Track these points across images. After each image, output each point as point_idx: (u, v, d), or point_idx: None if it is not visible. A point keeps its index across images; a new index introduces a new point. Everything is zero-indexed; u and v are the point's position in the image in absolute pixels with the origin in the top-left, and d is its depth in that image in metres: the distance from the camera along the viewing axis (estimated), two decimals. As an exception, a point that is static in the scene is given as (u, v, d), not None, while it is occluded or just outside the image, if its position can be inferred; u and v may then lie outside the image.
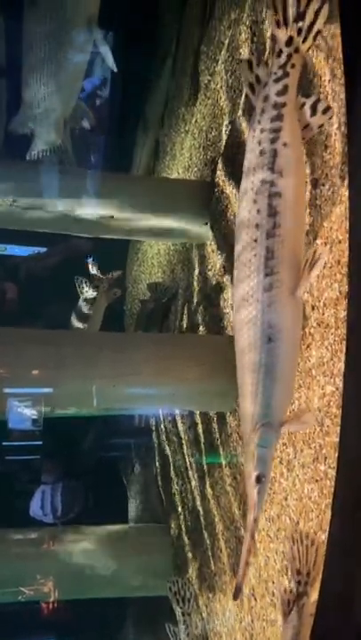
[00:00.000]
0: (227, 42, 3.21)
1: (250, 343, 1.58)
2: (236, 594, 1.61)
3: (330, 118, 1.69)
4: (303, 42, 1.58)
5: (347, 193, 1.78)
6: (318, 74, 1.97)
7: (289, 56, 1.57)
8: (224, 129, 3.20)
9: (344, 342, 1.79)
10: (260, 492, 1.56)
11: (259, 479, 1.56)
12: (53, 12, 2.85)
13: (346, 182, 1.81)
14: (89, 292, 3.48)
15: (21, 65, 3.02)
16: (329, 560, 1.78)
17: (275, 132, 1.56)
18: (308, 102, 1.61)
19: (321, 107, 1.61)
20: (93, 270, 3.46)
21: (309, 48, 1.62)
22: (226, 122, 3.17)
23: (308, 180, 1.98)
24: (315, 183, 1.95)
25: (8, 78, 3.44)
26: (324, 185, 1.94)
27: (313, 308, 2.02)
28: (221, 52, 3.30)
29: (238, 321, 1.62)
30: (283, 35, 1.56)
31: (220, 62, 3.33)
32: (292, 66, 1.58)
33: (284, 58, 1.58)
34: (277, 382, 1.58)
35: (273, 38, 1.62)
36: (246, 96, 2.84)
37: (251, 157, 1.60)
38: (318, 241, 1.96)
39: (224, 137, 3.19)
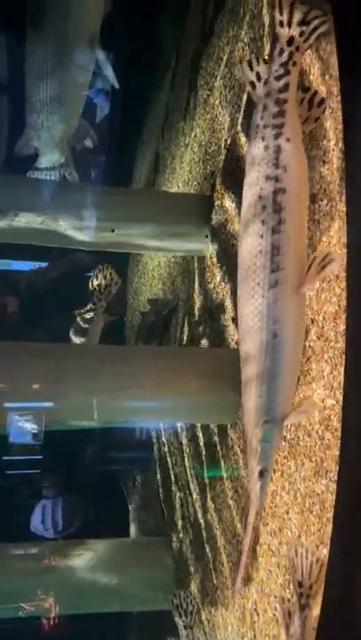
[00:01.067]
0: (225, 58, 3.26)
1: (255, 339, 1.60)
2: (236, 593, 1.64)
3: (324, 111, 1.76)
4: (304, 41, 1.63)
5: (345, 209, 1.80)
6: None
7: (290, 54, 1.61)
8: (223, 144, 3.23)
9: (344, 356, 1.80)
10: (262, 486, 1.61)
11: (261, 474, 1.60)
12: (55, 33, 2.89)
13: (344, 198, 1.83)
14: (87, 315, 3.50)
15: (23, 82, 3.05)
16: (330, 562, 1.78)
17: (278, 128, 1.59)
18: (307, 96, 1.67)
19: (317, 99, 1.68)
20: (93, 284, 3.47)
21: (310, 47, 1.67)
22: (225, 137, 3.21)
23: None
24: (313, 198, 1.97)
25: (10, 95, 3.49)
26: (322, 200, 1.96)
27: (312, 322, 2.03)
28: (220, 68, 3.34)
29: (243, 316, 1.64)
30: (285, 34, 1.61)
31: (218, 78, 3.37)
32: (294, 64, 1.62)
33: (285, 56, 1.62)
34: (282, 378, 1.60)
35: (275, 37, 1.65)
36: (246, 106, 2.87)
37: (255, 153, 1.62)
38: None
39: (223, 151, 3.22)
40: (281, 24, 1.61)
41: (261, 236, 1.58)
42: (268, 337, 1.58)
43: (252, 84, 1.66)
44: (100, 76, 3.47)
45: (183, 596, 3.00)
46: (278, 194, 1.57)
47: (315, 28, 1.63)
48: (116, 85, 3.16)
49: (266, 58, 1.72)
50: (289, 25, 1.60)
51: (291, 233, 1.58)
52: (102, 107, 5.25)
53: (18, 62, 3.08)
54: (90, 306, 3.42)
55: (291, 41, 1.61)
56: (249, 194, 1.63)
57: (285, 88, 1.61)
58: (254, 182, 1.61)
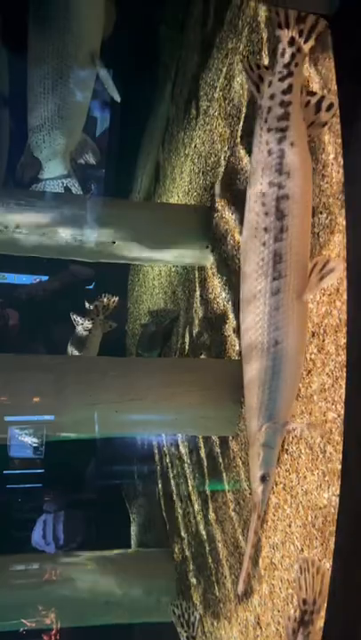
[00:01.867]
0: (224, 70, 3.27)
1: (257, 346, 1.61)
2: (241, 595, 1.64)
3: (333, 116, 1.70)
4: (305, 41, 1.61)
5: (344, 222, 1.80)
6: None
7: (292, 55, 1.59)
8: (223, 155, 3.24)
9: (345, 369, 1.80)
10: (264, 490, 1.64)
11: (263, 478, 1.63)
12: (56, 49, 2.91)
13: (343, 211, 1.84)
14: (84, 325, 3.51)
15: (25, 97, 3.07)
16: (333, 576, 1.77)
17: (282, 132, 1.57)
18: (313, 100, 1.63)
19: (325, 104, 1.63)
20: (90, 305, 3.49)
21: (311, 48, 1.65)
22: (225, 148, 3.22)
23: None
24: (312, 211, 1.97)
25: (13, 109, 3.51)
26: (321, 213, 1.96)
27: (313, 335, 2.03)
28: (219, 80, 3.36)
29: (245, 323, 1.64)
30: (285, 35, 1.59)
31: (218, 89, 3.39)
32: (296, 65, 1.60)
33: (287, 57, 1.60)
34: (283, 384, 1.62)
35: (276, 38, 1.63)
36: (245, 119, 2.88)
37: (258, 158, 1.61)
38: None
39: (223, 163, 3.23)
40: (280, 25, 1.60)
41: (264, 244, 1.57)
42: (270, 344, 1.60)
43: (256, 86, 1.64)
44: (101, 89, 3.50)
45: (185, 606, 2.97)
46: (282, 200, 1.55)
47: (312, 27, 1.61)
48: (118, 99, 3.17)
49: (268, 62, 1.70)
50: (287, 25, 1.59)
51: (294, 240, 1.57)
52: (103, 117, 5.27)
53: (20, 77, 3.10)
54: (86, 322, 3.44)
55: (292, 41, 1.60)
56: (252, 200, 1.61)
57: (289, 89, 1.59)
58: (257, 188, 1.59)
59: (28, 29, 2.92)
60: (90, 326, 3.46)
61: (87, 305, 3.48)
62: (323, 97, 1.65)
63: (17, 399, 2.50)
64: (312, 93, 1.65)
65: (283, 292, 1.57)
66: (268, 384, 1.61)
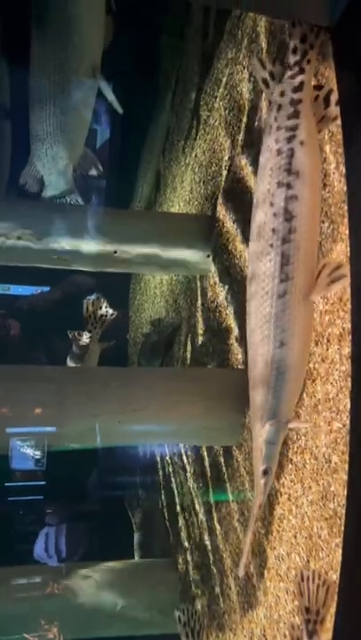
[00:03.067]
0: (224, 80, 3.29)
1: (262, 347, 1.61)
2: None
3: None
4: (316, 37, 1.59)
5: (347, 231, 1.80)
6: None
7: (304, 53, 1.57)
8: (224, 164, 3.24)
9: (349, 378, 1.79)
10: (265, 482, 1.68)
11: (265, 472, 1.67)
12: (58, 63, 2.93)
13: (345, 220, 1.83)
14: (82, 340, 3.50)
15: (26, 107, 3.08)
16: (340, 588, 1.75)
17: (292, 130, 1.54)
18: (322, 94, 1.60)
19: (334, 98, 1.61)
20: (87, 312, 3.47)
21: (323, 44, 1.64)
22: (225, 157, 3.23)
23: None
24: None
25: (14, 122, 3.52)
26: (323, 222, 1.96)
27: (317, 344, 2.02)
28: (220, 90, 3.38)
29: (251, 324, 1.64)
30: (297, 31, 1.58)
31: (218, 99, 3.40)
32: (308, 62, 1.57)
33: (299, 54, 1.57)
34: (287, 384, 1.63)
35: (288, 35, 1.59)
36: (245, 128, 2.89)
37: (267, 156, 1.58)
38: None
39: (224, 172, 3.23)
40: (293, 23, 1.58)
41: (271, 245, 1.55)
42: (276, 345, 1.59)
43: (265, 83, 1.61)
44: (100, 99, 3.51)
45: (191, 611, 2.92)
46: (290, 201, 1.53)
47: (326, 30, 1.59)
48: (120, 111, 3.18)
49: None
50: (300, 22, 1.57)
51: (301, 242, 1.54)
52: (103, 128, 5.29)
53: (21, 89, 3.12)
54: (84, 337, 3.43)
55: (304, 38, 1.57)
56: (260, 199, 1.58)
57: (300, 87, 1.56)
58: (265, 188, 1.57)
59: (29, 43, 2.94)
60: (87, 341, 3.44)
61: (85, 309, 3.45)
62: (331, 90, 1.62)
63: (18, 410, 2.49)
64: (319, 87, 1.62)
65: (289, 293, 1.55)
66: (272, 384, 1.62)
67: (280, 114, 1.56)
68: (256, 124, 2.75)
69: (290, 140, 1.54)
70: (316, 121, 1.59)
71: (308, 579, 1.88)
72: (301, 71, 1.57)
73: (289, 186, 1.53)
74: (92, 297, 3.33)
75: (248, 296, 1.64)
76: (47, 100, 2.99)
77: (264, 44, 2.58)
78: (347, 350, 1.84)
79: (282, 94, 1.57)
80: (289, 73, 1.57)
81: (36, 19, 2.94)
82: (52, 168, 3.22)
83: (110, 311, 3.39)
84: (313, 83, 1.61)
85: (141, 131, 5.17)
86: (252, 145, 2.76)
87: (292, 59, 1.58)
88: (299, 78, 1.57)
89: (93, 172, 3.38)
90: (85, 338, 3.40)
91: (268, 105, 1.61)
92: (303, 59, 1.57)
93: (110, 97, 3.04)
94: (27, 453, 2.44)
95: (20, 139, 3.24)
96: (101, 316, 3.41)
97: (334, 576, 1.89)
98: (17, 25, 3.19)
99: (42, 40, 2.91)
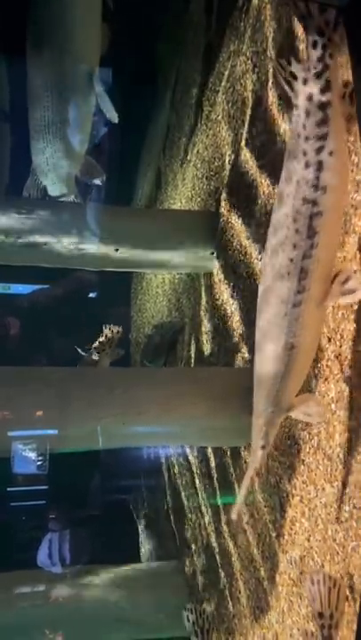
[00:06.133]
0: (227, 73, 3.22)
1: (272, 347, 1.67)
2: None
3: None
4: (334, 29, 1.44)
5: (360, 223, 1.74)
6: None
7: (324, 46, 1.40)
8: (227, 159, 3.18)
9: (364, 376, 1.73)
10: (262, 455, 1.87)
11: (263, 447, 1.86)
12: (54, 68, 2.88)
13: (358, 212, 1.77)
14: (92, 357, 3.46)
15: (25, 109, 3.04)
16: None
17: (321, 140, 1.43)
18: (348, 90, 1.48)
19: None
20: (100, 338, 3.43)
21: (342, 36, 1.49)
22: (229, 152, 3.16)
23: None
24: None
25: (12, 123, 3.48)
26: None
27: (329, 340, 1.95)
28: (222, 83, 3.31)
29: (263, 325, 1.68)
30: (312, 24, 1.40)
31: (220, 93, 3.33)
32: (331, 56, 1.41)
33: (320, 49, 1.41)
34: (292, 381, 1.73)
35: (304, 29, 1.43)
36: (250, 120, 2.82)
37: (293, 168, 1.47)
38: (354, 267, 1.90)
39: (228, 167, 3.17)
40: (303, 17, 1.43)
41: (291, 260, 1.52)
42: (286, 347, 1.65)
43: (290, 86, 1.46)
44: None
45: (200, 610, 2.85)
46: (315, 218, 1.47)
47: (338, 14, 1.42)
48: (115, 120, 3.10)
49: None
50: (311, 15, 1.41)
51: (322, 255, 1.52)
52: (103, 128, 5.23)
53: (20, 94, 3.07)
54: (94, 355, 3.39)
55: (321, 31, 1.41)
56: (282, 213, 1.51)
57: (327, 87, 1.42)
58: (290, 202, 1.49)
59: (25, 51, 2.90)
60: (97, 359, 3.40)
61: (94, 345, 3.42)
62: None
63: (20, 413, 2.42)
64: (346, 84, 1.50)
65: (304, 302, 1.57)
66: (279, 379, 1.71)
67: (309, 121, 1.43)
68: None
69: (319, 151, 1.43)
70: (344, 120, 1.47)
71: (318, 582, 1.82)
72: (325, 67, 1.41)
73: (315, 203, 1.46)
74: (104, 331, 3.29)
75: (260, 300, 1.66)
76: (45, 108, 2.95)
77: (269, 33, 2.51)
78: (359, 348, 1.77)
79: (310, 98, 1.42)
80: (313, 71, 1.42)
81: (32, 25, 2.89)
82: (55, 177, 3.19)
83: (116, 329, 3.37)
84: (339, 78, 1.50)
85: (141, 130, 5.12)
86: (258, 137, 2.69)
87: (313, 54, 1.42)
88: (325, 76, 1.42)
89: (97, 181, 3.34)
90: (95, 356, 3.38)
91: (294, 108, 1.46)
92: (325, 53, 1.41)
93: (106, 105, 2.97)
94: (28, 457, 2.37)
95: (20, 141, 3.19)
96: (109, 339, 3.37)
97: (350, 581, 1.83)
98: (15, 28, 3.14)
99: (38, 48, 2.86)
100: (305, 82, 1.43)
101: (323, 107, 1.42)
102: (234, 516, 2.27)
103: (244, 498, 1.96)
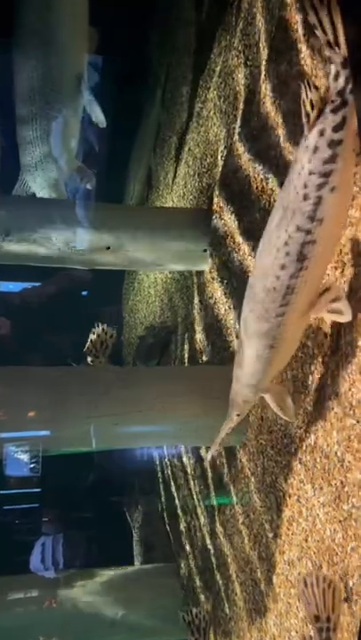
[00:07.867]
0: (218, 68, 3.18)
1: (253, 345, 1.76)
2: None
3: None
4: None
5: (357, 214, 1.70)
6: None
7: (347, 80, 1.31)
8: (220, 155, 3.14)
9: (362, 372, 1.69)
10: (236, 421, 2.06)
11: (238, 415, 2.04)
12: (40, 72, 2.84)
13: (356, 202, 1.73)
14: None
15: (12, 112, 3.00)
16: None
17: (325, 177, 1.37)
18: None
19: None
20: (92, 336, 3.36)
21: None
22: (221, 148, 3.12)
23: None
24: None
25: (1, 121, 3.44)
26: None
27: (326, 336, 1.92)
28: (213, 79, 3.27)
29: (247, 325, 1.75)
30: (337, 56, 1.30)
31: (211, 89, 3.30)
32: (351, 91, 1.32)
33: (342, 81, 1.31)
34: (271, 368, 1.84)
35: (328, 60, 1.33)
36: (242, 115, 2.78)
37: (291, 198, 1.42)
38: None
39: (220, 163, 3.13)
40: (329, 44, 1.29)
41: (278, 278, 1.52)
42: (266, 347, 1.74)
43: (307, 116, 1.37)
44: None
45: (195, 612, 2.82)
46: (306, 245, 1.45)
47: None
48: (104, 125, 3.06)
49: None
50: (338, 45, 1.28)
51: (309, 277, 1.52)
52: (92, 129, 5.19)
53: (7, 96, 3.03)
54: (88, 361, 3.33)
55: (345, 63, 1.29)
56: (274, 235, 1.48)
57: (342, 124, 1.33)
58: (283, 227, 1.45)
59: (12, 56, 2.86)
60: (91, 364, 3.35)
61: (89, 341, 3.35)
62: None
63: (12, 414, 2.37)
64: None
65: (287, 313, 1.61)
66: (261, 367, 1.82)
67: (315, 156, 1.36)
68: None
69: (320, 187, 1.39)
70: (355, 154, 1.40)
71: (312, 585, 1.77)
72: (344, 104, 1.32)
73: (308, 232, 1.44)
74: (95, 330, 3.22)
75: (245, 304, 1.71)
76: (32, 113, 2.91)
77: (261, 25, 2.48)
78: (360, 341, 1.73)
79: (321, 133, 1.35)
80: (330, 106, 1.33)
81: (18, 29, 2.85)
82: (44, 182, 3.16)
83: (110, 331, 3.30)
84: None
85: (131, 129, 5.07)
86: (250, 132, 2.65)
87: (333, 87, 1.32)
88: (341, 112, 1.33)
89: (87, 186, 3.31)
90: (90, 361, 3.32)
91: (303, 137, 1.39)
92: (346, 87, 1.31)
93: (94, 111, 2.93)
94: (21, 459, 2.32)
95: (7, 145, 3.14)
96: (102, 343, 3.30)
97: (351, 582, 1.79)
98: (1, 32, 3.09)
99: (24, 54, 2.83)
100: (320, 114, 1.35)
101: (333, 144, 1.36)
102: (209, 457, 2.55)
103: (218, 445, 2.14)
